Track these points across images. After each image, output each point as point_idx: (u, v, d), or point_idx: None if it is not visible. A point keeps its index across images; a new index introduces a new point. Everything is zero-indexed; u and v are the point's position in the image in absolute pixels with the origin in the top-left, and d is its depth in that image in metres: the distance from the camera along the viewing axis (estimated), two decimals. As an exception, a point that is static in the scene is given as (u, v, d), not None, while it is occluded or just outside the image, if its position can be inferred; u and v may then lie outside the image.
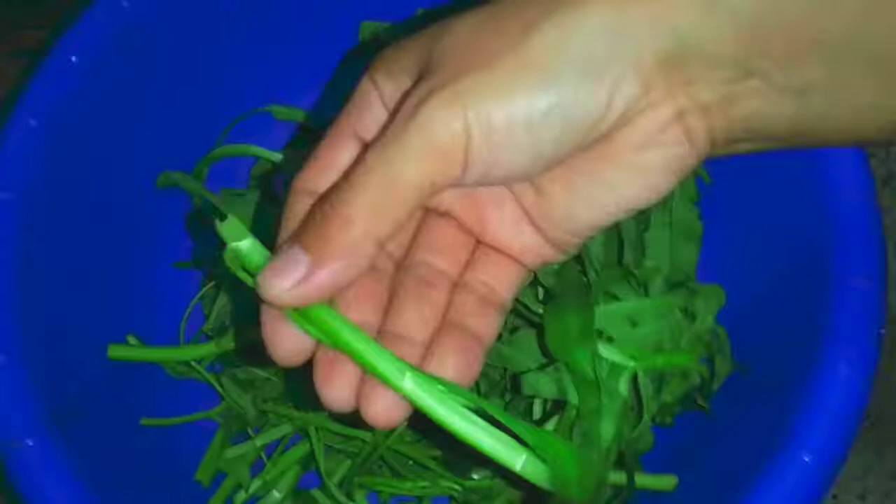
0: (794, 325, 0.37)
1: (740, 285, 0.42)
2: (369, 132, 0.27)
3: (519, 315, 0.38)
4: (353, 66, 0.50)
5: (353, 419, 0.27)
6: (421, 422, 0.26)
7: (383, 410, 0.26)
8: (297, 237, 0.25)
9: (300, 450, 0.43)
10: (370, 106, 0.27)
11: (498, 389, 0.40)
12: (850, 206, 0.36)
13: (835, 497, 0.46)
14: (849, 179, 0.37)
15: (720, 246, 0.43)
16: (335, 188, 0.25)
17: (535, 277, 0.36)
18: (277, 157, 0.46)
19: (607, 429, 0.34)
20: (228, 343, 0.42)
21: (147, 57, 0.43)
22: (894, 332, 0.49)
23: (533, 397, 0.37)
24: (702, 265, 0.44)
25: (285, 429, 0.43)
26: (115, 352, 0.41)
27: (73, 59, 0.41)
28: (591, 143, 0.25)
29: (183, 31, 0.44)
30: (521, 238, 0.29)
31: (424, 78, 0.25)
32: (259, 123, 0.49)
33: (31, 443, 0.35)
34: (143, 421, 0.41)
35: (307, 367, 0.27)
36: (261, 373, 0.43)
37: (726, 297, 0.43)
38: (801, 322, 0.36)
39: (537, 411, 0.37)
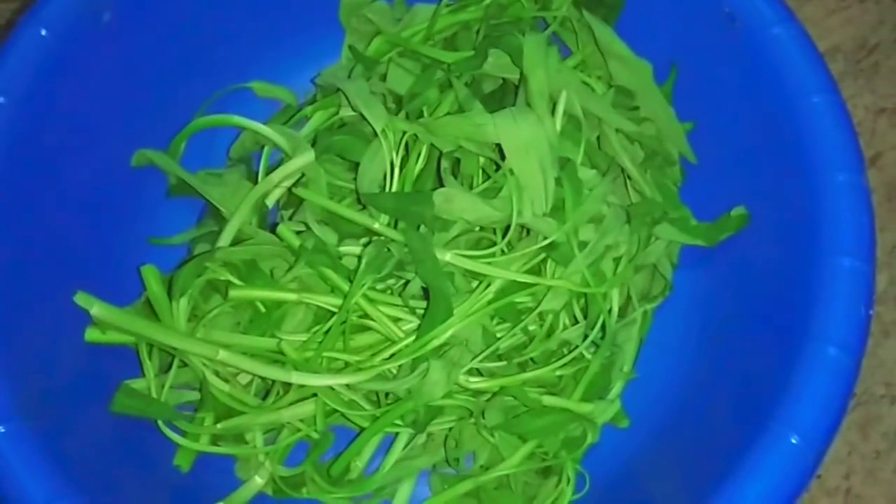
0: (783, 304, 0.37)
1: (729, 267, 0.42)
2: None
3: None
4: (334, 42, 0.49)
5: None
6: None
7: None
8: None
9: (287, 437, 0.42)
10: None
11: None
12: (841, 184, 0.36)
13: (819, 477, 0.46)
14: (839, 158, 0.37)
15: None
16: None
17: None
18: (259, 126, 0.45)
19: None
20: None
21: (120, 30, 0.42)
22: (880, 312, 0.49)
23: None
24: (689, 246, 0.44)
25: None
26: (92, 335, 0.40)
27: (43, 32, 0.40)
28: None
29: (158, 4, 0.43)
30: None
31: None
32: (239, 101, 0.48)
33: (2, 429, 0.34)
34: (113, 407, 0.40)
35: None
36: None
37: (714, 283, 0.42)
38: (791, 302, 0.36)
39: None
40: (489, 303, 0.40)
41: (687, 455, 0.39)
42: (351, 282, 0.40)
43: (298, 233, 0.43)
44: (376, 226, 0.41)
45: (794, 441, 0.33)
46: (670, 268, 0.44)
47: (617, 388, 0.42)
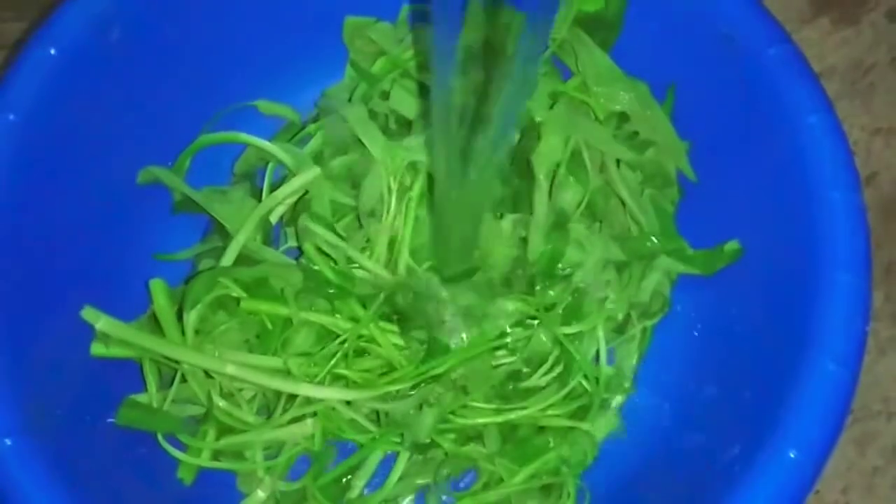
0: (781, 320, 0.37)
1: (728, 283, 0.42)
2: None
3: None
4: (338, 61, 0.50)
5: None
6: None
7: None
8: None
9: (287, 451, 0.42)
10: None
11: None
12: (837, 202, 0.37)
13: (817, 492, 0.46)
14: (834, 177, 0.37)
15: (706, 242, 0.43)
16: None
17: None
18: (264, 143, 0.46)
19: None
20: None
21: (129, 49, 0.42)
22: (877, 329, 0.49)
23: None
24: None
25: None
26: (97, 350, 0.40)
27: (52, 51, 0.40)
28: None
29: (165, 23, 0.44)
30: None
31: None
32: (243, 118, 0.48)
33: (8, 442, 0.35)
34: (118, 420, 0.40)
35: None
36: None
37: (712, 299, 0.43)
38: (788, 317, 0.37)
39: None
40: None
41: (686, 469, 0.39)
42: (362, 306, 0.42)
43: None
44: (371, 265, 0.42)
45: (792, 455, 0.33)
46: (669, 285, 0.44)
47: (617, 402, 0.42)
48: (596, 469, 0.42)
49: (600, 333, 0.42)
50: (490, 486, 0.42)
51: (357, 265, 0.43)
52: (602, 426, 0.42)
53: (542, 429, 0.42)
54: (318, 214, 0.43)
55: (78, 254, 0.42)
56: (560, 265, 0.42)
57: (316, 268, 0.42)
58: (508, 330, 0.41)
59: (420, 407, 0.41)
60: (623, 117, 0.45)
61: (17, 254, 0.38)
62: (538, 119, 0.43)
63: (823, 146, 0.38)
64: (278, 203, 0.45)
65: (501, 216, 0.43)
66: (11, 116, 0.39)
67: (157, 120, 0.46)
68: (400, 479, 0.43)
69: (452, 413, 0.41)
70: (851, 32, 0.56)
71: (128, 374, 0.42)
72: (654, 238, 0.43)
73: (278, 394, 0.42)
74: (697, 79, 0.43)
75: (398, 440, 0.42)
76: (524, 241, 0.42)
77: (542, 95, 0.44)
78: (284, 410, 0.42)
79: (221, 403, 0.41)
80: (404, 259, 0.42)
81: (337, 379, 0.42)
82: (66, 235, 0.41)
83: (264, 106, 0.49)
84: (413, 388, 0.41)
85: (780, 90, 0.39)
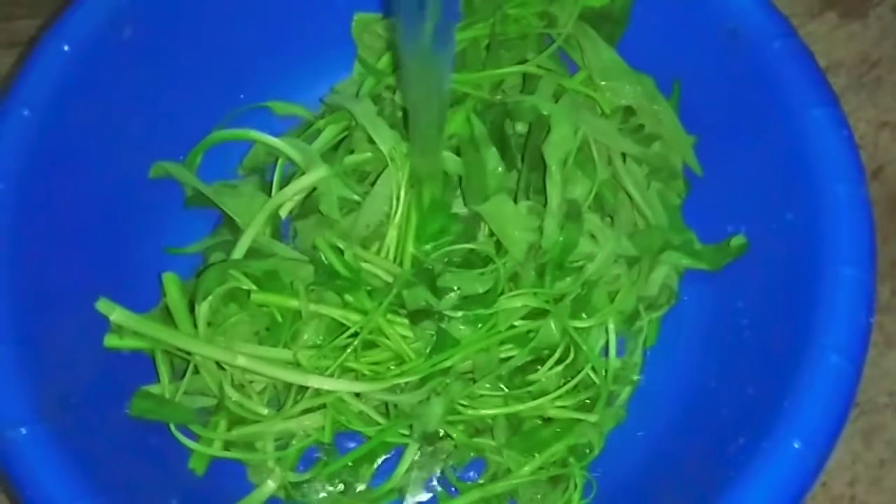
0: (786, 313, 0.37)
1: (733, 276, 0.42)
2: None
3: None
4: (348, 58, 0.50)
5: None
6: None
7: None
8: None
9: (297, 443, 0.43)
10: None
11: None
12: (842, 195, 0.37)
13: (824, 484, 0.47)
14: (839, 170, 0.37)
15: (711, 235, 0.43)
16: None
17: None
18: (274, 141, 0.46)
19: None
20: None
21: (140, 46, 0.43)
22: (884, 323, 0.49)
23: None
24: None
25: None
26: (111, 341, 0.41)
27: (66, 48, 0.41)
28: None
29: (176, 21, 0.44)
30: None
31: None
32: (253, 114, 0.49)
33: (24, 431, 0.35)
34: (131, 410, 0.41)
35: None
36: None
37: (718, 292, 0.43)
38: (793, 310, 0.37)
39: None
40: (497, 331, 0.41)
41: (692, 460, 0.39)
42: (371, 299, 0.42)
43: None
44: (379, 260, 0.43)
45: (796, 446, 0.34)
46: (676, 277, 0.45)
47: (624, 394, 0.43)
48: (603, 460, 0.43)
49: (611, 327, 0.42)
50: (498, 478, 0.42)
51: (365, 259, 0.43)
52: (609, 418, 0.43)
53: (548, 420, 0.43)
54: (325, 212, 0.44)
55: (91, 247, 0.42)
56: (572, 256, 0.42)
57: (323, 258, 0.43)
58: (517, 323, 0.42)
59: (428, 398, 0.41)
60: (629, 111, 0.45)
61: (32, 247, 0.39)
62: (545, 112, 0.43)
63: (829, 140, 0.38)
64: (287, 199, 0.45)
65: (516, 202, 0.43)
66: (26, 112, 0.40)
67: (169, 116, 0.46)
68: (407, 470, 0.43)
69: (461, 404, 0.42)
70: (858, 27, 0.56)
71: (141, 365, 0.43)
72: (663, 232, 0.43)
73: (289, 385, 0.42)
74: (703, 73, 0.43)
75: (407, 432, 0.42)
76: (539, 229, 0.42)
77: (547, 90, 0.44)
78: (295, 402, 0.42)
79: (233, 395, 0.42)
80: (409, 252, 0.43)
81: (346, 371, 0.42)
82: (79, 229, 0.42)
83: (278, 106, 0.49)
84: (422, 380, 0.41)
85: (785, 84, 0.39)
